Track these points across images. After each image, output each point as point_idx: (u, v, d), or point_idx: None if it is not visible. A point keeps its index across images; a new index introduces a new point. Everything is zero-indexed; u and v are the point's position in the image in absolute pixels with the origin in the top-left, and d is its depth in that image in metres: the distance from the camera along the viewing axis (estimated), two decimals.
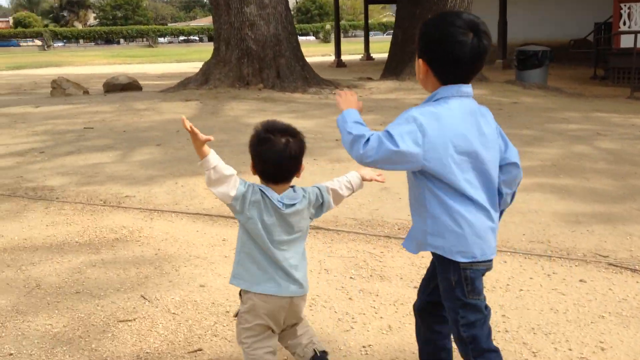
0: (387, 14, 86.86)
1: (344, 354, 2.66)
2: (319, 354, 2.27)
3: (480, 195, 1.96)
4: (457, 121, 1.92)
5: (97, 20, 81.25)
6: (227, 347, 2.73)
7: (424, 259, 3.51)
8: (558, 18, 20.78)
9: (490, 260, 2.02)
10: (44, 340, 2.84)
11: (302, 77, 12.01)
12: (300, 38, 15.83)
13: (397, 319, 2.97)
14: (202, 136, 2.06)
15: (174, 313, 3.08)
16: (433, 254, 2.05)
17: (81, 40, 66.76)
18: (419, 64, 2.00)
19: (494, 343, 2.07)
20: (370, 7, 29.52)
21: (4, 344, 2.80)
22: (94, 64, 31.56)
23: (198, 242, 4.11)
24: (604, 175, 5.56)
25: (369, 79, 14.55)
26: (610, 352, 2.63)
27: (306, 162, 2.24)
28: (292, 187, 2.21)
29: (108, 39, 67.78)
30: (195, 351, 2.70)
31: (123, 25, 71.53)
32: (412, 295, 3.19)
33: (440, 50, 1.93)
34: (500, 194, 2.05)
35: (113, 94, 13.18)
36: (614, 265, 3.56)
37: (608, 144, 6.90)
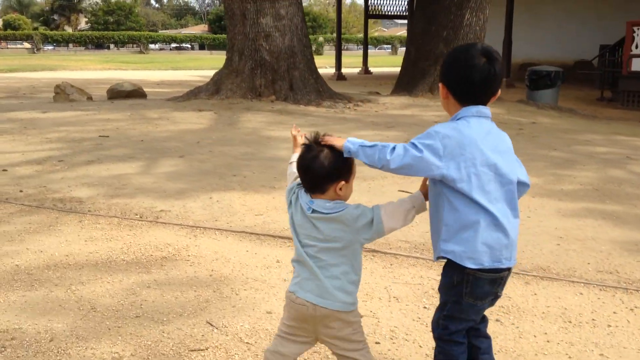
0: (378, 29, 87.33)
1: None
2: None
3: (497, 207, 2.05)
4: (477, 136, 2.05)
5: (89, 24, 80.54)
6: None
7: None
8: (560, 38, 20.87)
9: (503, 270, 2.07)
10: None
11: (315, 90, 11.85)
12: None
13: None
14: (300, 141, 2.30)
15: (247, 343, 2.88)
16: (443, 258, 2.14)
17: (71, 45, 66.02)
18: (440, 87, 2.20)
19: None
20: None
21: None
22: (88, 68, 31.13)
23: (251, 263, 3.92)
24: None
25: (377, 93, 14.46)
26: None
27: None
28: (338, 202, 2.13)
29: (99, 44, 67.12)
30: None
31: (115, 30, 70.92)
32: (493, 325, 3.03)
33: (454, 72, 2.13)
34: None
35: (118, 100, 12.95)
36: None
37: None
